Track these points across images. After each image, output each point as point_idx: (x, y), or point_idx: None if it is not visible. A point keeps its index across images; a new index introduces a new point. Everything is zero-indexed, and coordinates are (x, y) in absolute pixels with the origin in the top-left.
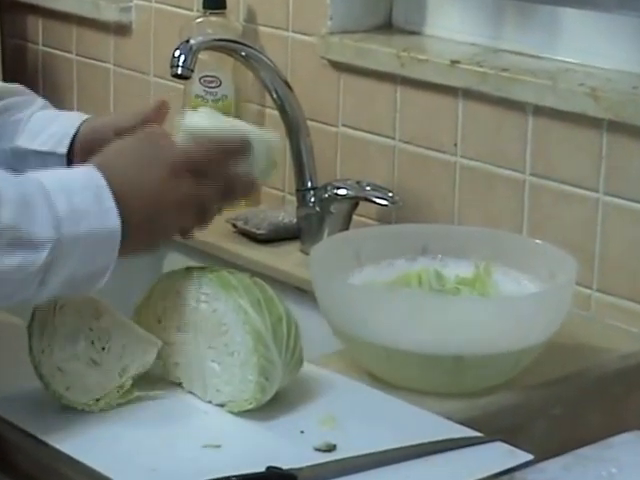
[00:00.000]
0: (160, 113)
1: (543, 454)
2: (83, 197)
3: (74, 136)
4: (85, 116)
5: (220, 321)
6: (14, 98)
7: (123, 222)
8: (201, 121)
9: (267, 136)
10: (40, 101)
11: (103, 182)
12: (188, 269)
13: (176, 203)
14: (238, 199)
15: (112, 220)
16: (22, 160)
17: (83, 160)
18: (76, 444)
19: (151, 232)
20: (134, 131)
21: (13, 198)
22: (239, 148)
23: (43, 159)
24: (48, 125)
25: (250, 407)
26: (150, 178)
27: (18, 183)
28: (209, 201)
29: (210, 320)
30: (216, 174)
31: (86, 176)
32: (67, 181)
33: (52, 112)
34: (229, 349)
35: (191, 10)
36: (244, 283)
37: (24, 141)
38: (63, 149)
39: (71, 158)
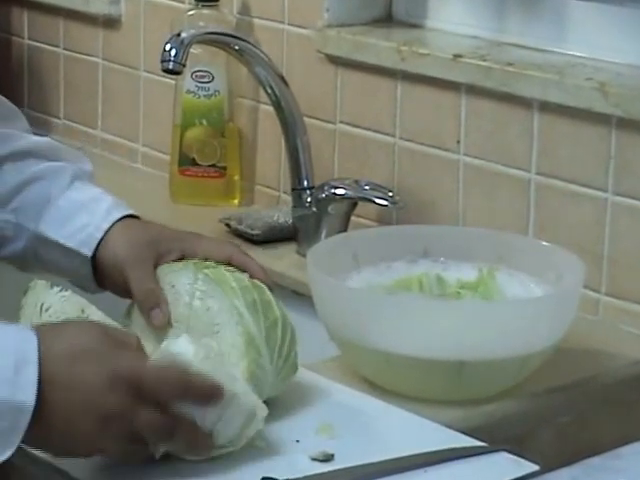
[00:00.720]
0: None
1: (550, 465)
2: (2, 362)
3: (100, 240)
4: (116, 215)
5: (213, 320)
6: (42, 165)
7: (40, 401)
8: (183, 351)
9: (253, 403)
10: (69, 170)
11: (33, 347)
12: (186, 262)
13: (99, 414)
14: (182, 446)
15: (28, 395)
16: (47, 247)
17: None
18: None
19: (68, 433)
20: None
21: None
22: (206, 393)
23: (68, 254)
24: (75, 213)
25: None
26: (84, 377)
27: None
28: (140, 431)
29: (202, 318)
30: (163, 407)
31: (18, 337)
32: None
33: (80, 195)
34: (219, 350)
35: (183, 2)
36: (242, 283)
37: (49, 229)
38: (88, 252)
39: (96, 262)
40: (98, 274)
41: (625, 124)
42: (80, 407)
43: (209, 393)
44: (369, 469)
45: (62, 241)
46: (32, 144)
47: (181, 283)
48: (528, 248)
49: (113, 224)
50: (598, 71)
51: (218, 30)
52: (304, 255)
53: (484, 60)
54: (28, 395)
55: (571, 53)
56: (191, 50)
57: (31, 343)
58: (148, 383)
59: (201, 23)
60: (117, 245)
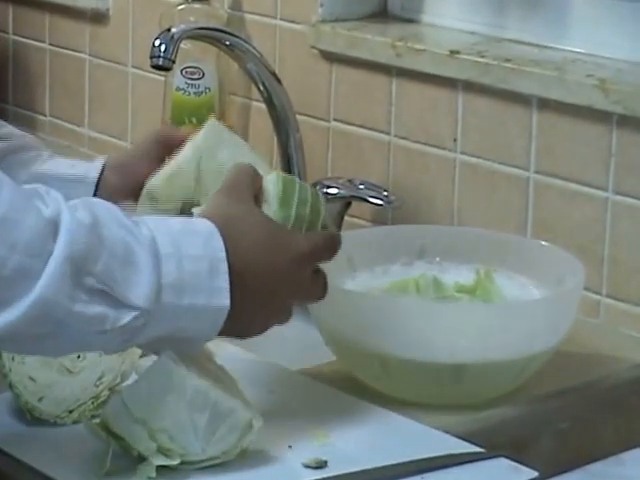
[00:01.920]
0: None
1: (549, 471)
2: (196, 268)
3: (103, 166)
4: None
5: None
6: (19, 143)
7: (233, 302)
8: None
9: (250, 415)
10: (45, 155)
11: (223, 255)
12: None
13: (291, 295)
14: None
15: (222, 300)
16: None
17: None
18: (49, 460)
19: (255, 320)
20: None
21: (118, 249)
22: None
23: (67, 187)
24: (65, 170)
25: None
26: (273, 264)
27: (129, 232)
28: (315, 289)
29: None
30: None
31: (206, 242)
32: (183, 244)
33: (69, 161)
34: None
35: None
36: None
37: (48, 168)
38: (94, 176)
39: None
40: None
41: (626, 122)
42: (272, 295)
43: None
44: (363, 476)
45: (64, 172)
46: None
47: None
48: (527, 249)
49: (105, 164)
50: (598, 68)
51: (209, 25)
52: None
53: (482, 56)
54: (223, 300)
55: (571, 49)
56: (181, 46)
57: (218, 243)
58: (320, 250)
59: (191, 18)
60: (115, 158)
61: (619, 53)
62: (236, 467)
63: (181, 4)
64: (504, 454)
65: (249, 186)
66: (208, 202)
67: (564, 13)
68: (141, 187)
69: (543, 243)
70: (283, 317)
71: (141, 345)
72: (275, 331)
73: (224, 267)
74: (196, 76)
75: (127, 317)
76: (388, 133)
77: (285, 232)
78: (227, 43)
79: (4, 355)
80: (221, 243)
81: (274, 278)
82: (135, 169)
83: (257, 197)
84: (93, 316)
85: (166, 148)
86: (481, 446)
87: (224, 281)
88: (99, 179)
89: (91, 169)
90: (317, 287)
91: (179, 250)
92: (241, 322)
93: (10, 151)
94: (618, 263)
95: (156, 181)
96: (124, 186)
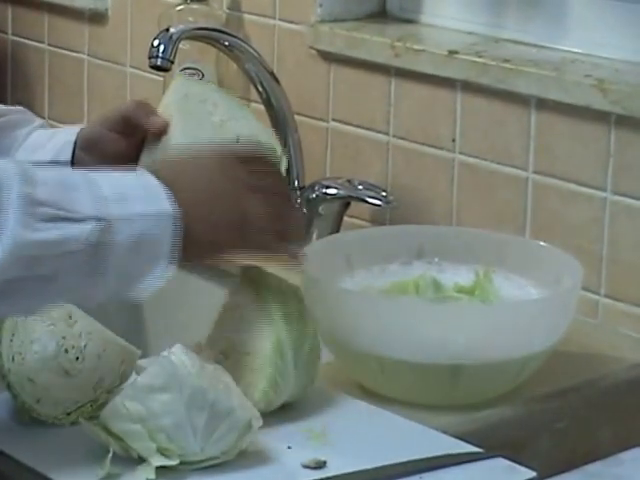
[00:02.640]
0: (142, 110)
1: (547, 471)
2: (130, 182)
3: (75, 144)
4: (83, 125)
5: (244, 317)
6: (12, 116)
7: (178, 213)
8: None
9: (249, 415)
10: (39, 121)
11: (154, 180)
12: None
13: (235, 194)
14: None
15: (163, 204)
16: None
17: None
18: (48, 461)
19: (214, 230)
20: (120, 123)
21: (51, 180)
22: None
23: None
24: (48, 140)
25: None
26: (202, 173)
27: (55, 169)
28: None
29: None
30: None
31: (137, 174)
32: (113, 173)
33: (51, 130)
34: (245, 348)
35: None
36: (279, 288)
37: (23, 155)
38: (67, 156)
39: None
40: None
41: (624, 122)
42: (214, 197)
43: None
44: (362, 476)
45: (39, 158)
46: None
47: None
48: (525, 249)
49: (80, 130)
50: (597, 68)
51: (207, 26)
52: None
53: (480, 56)
54: (165, 203)
55: (569, 49)
56: (180, 46)
57: (146, 174)
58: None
59: (190, 18)
60: (85, 130)
61: (617, 53)
62: (235, 467)
63: (180, 4)
64: (502, 454)
65: None
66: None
67: (563, 13)
68: (109, 161)
69: (541, 243)
70: (249, 229)
71: (109, 284)
72: None
73: (157, 185)
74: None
75: (86, 228)
76: (387, 133)
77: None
78: (226, 43)
79: (3, 356)
80: (151, 175)
81: (213, 187)
82: (104, 147)
83: None
84: (56, 239)
85: (136, 126)
86: (479, 446)
87: (159, 188)
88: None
89: (62, 151)
90: (280, 207)
91: (111, 176)
92: (198, 227)
93: None
94: (616, 263)
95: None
96: (93, 162)
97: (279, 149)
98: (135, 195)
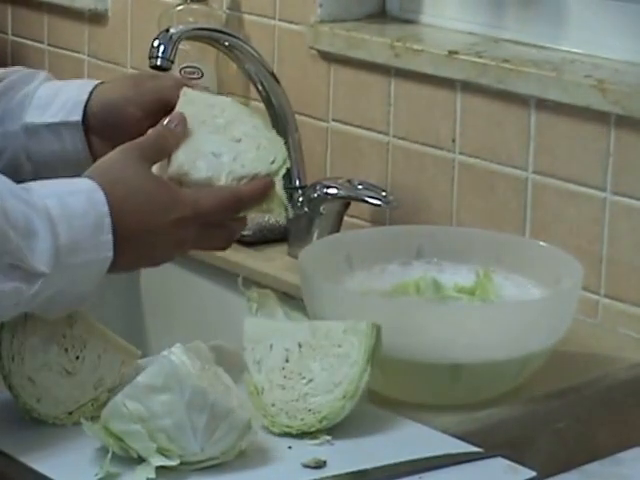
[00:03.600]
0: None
1: (547, 471)
2: (84, 224)
3: (87, 103)
4: (95, 82)
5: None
6: (14, 75)
7: (116, 248)
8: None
9: (249, 415)
10: (42, 74)
11: (106, 209)
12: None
13: (173, 246)
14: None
15: (105, 252)
16: (35, 136)
17: (101, 134)
18: (48, 461)
19: (143, 258)
20: (153, 107)
21: (20, 223)
22: (259, 199)
23: (57, 132)
24: (56, 95)
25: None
26: (153, 223)
27: (25, 204)
28: (204, 243)
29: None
30: (221, 222)
31: (89, 199)
32: (70, 204)
33: (58, 82)
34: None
35: None
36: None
37: (33, 116)
38: (77, 117)
39: (86, 126)
40: (89, 141)
41: (624, 122)
42: (153, 246)
43: (261, 194)
44: (362, 476)
45: (50, 120)
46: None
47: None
48: (525, 249)
49: (94, 88)
50: (596, 68)
51: (207, 26)
52: (295, 256)
53: (480, 57)
54: (107, 252)
55: (569, 50)
56: (180, 46)
57: (100, 198)
58: (211, 213)
59: (190, 19)
60: (105, 94)
61: (617, 54)
62: (235, 467)
63: (180, 5)
64: (502, 454)
65: (151, 146)
66: (103, 157)
67: (562, 14)
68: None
69: (541, 243)
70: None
71: (32, 308)
72: None
73: (108, 221)
74: (195, 76)
75: (36, 285)
76: (387, 133)
77: (171, 195)
78: (226, 43)
79: (3, 356)
80: (103, 197)
81: (153, 235)
82: (122, 124)
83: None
84: (10, 291)
85: (162, 112)
86: (479, 446)
87: (108, 233)
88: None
89: (73, 111)
90: (216, 240)
91: (67, 209)
92: (122, 268)
93: (2, 95)
94: (616, 263)
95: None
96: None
97: (282, 157)
98: (86, 243)
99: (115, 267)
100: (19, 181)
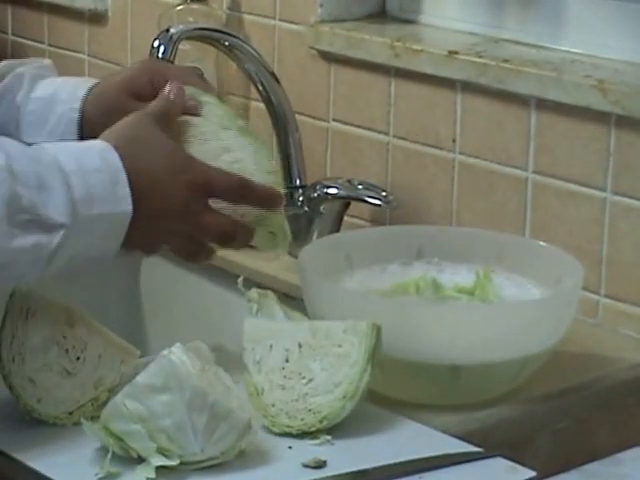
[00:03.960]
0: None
1: (547, 471)
2: (99, 179)
3: (81, 117)
4: (89, 83)
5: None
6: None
7: (134, 210)
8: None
9: (249, 415)
10: (27, 77)
11: (120, 165)
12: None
13: (183, 216)
14: (233, 245)
15: (124, 206)
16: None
17: (96, 123)
18: (48, 461)
19: (155, 229)
20: (147, 95)
21: (31, 180)
22: (265, 198)
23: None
24: (49, 110)
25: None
26: (167, 182)
27: (35, 162)
28: (209, 232)
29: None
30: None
31: (102, 156)
32: (83, 160)
33: (46, 90)
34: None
35: None
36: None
37: (29, 134)
38: (74, 135)
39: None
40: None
41: (624, 122)
42: (166, 206)
43: (268, 198)
44: (362, 476)
45: (47, 139)
46: None
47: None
48: (525, 249)
49: (84, 98)
50: (596, 68)
51: (207, 26)
52: (295, 256)
53: (480, 57)
54: (126, 206)
55: (569, 50)
56: (180, 46)
57: (113, 156)
58: (218, 187)
59: (190, 19)
60: (97, 106)
61: (617, 54)
62: (235, 467)
63: (179, 5)
64: (502, 454)
65: (160, 112)
66: (117, 123)
67: (562, 14)
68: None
69: (541, 243)
70: (177, 241)
71: (55, 269)
72: None
73: (123, 176)
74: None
75: (57, 237)
76: (387, 133)
77: (185, 157)
78: (226, 43)
79: (3, 357)
80: (116, 155)
81: (167, 195)
82: (117, 109)
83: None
84: (31, 246)
85: (154, 90)
86: (479, 446)
87: (125, 187)
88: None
89: (69, 127)
90: (213, 226)
91: (81, 165)
92: (140, 232)
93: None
94: (616, 263)
95: None
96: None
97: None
98: (102, 196)
99: (132, 229)
100: None
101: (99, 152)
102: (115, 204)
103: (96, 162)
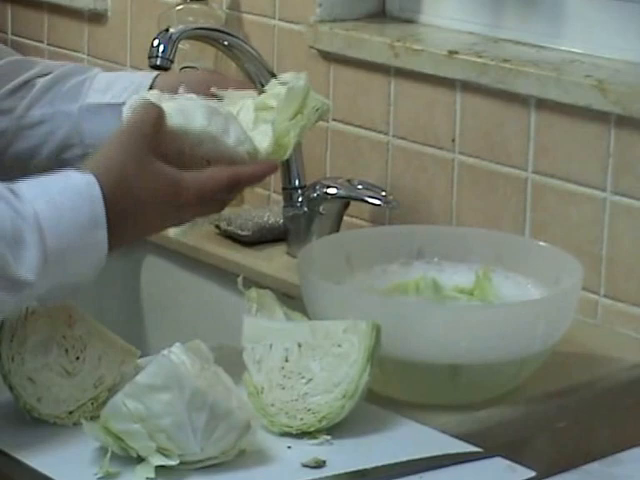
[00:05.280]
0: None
1: (546, 471)
2: (75, 225)
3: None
4: (156, 72)
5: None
6: (66, 67)
7: (118, 239)
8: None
9: (249, 415)
10: (96, 68)
11: (101, 205)
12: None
13: (174, 221)
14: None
15: (99, 253)
16: (94, 116)
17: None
18: (48, 460)
19: (134, 234)
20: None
21: (8, 233)
22: (259, 177)
23: (119, 111)
24: (117, 80)
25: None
26: (154, 210)
27: (15, 214)
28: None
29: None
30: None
31: (84, 197)
32: (62, 208)
33: (117, 72)
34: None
35: None
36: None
37: (95, 97)
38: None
39: None
40: None
41: (624, 122)
42: (151, 230)
43: (262, 174)
44: (361, 476)
45: (113, 101)
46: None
47: None
48: (525, 249)
49: (156, 76)
50: (596, 68)
51: (207, 25)
52: (295, 256)
53: (480, 56)
54: (102, 251)
55: (569, 49)
56: (179, 46)
57: (97, 195)
58: (209, 196)
59: (190, 18)
60: (168, 82)
61: (617, 53)
62: (235, 467)
63: (179, 4)
64: (501, 454)
65: (151, 128)
66: (103, 147)
67: (562, 13)
68: None
69: (541, 243)
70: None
71: (17, 312)
72: None
73: (102, 220)
74: None
75: (22, 294)
76: (386, 133)
77: (172, 180)
78: (225, 43)
79: (3, 356)
80: (98, 193)
81: (155, 222)
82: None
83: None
84: None
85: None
86: (478, 446)
87: (102, 230)
88: None
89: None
90: (213, 208)
91: (57, 211)
92: (127, 242)
93: (55, 82)
94: (616, 263)
95: None
96: None
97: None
98: (78, 247)
99: (111, 251)
100: (64, 161)
101: (80, 194)
102: (89, 251)
103: (73, 204)
